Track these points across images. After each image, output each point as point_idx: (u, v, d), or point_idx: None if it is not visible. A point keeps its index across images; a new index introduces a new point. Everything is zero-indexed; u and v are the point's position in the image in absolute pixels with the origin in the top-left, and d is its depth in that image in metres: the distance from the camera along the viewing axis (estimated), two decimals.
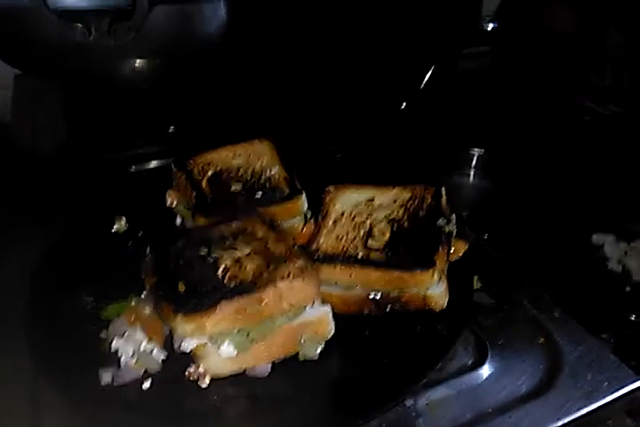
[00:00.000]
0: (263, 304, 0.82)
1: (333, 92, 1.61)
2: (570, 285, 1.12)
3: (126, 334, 0.88)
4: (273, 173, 1.12)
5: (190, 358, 0.84)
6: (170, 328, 0.83)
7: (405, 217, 1.01)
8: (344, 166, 1.34)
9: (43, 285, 0.99)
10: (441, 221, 0.98)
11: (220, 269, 0.86)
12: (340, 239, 0.98)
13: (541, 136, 1.50)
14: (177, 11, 1.21)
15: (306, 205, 1.09)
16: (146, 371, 0.85)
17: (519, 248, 1.18)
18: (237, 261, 0.87)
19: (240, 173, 1.12)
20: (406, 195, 1.05)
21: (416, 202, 1.03)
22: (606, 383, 0.88)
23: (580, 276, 1.15)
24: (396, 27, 1.59)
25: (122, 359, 0.86)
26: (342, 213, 1.04)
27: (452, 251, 0.99)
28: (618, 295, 1.11)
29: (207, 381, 0.84)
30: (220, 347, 0.82)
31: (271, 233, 0.93)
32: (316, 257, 0.94)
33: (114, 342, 0.87)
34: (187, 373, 0.84)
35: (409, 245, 0.95)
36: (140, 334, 0.88)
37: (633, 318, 1.06)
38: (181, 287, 0.84)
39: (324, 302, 0.90)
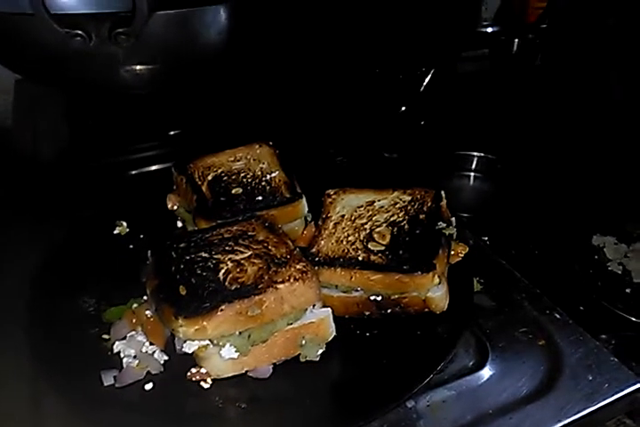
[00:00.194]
0: (264, 307, 0.82)
1: (333, 95, 1.61)
2: (570, 286, 1.12)
3: (128, 337, 0.88)
4: (273, 176, 1.13)
5: (192, 359, 0.85)
6: (171, 331, 0.83)
7: (405, 220, 1.01)
8: (344, 170, 1.34)
9: (44, 288, 0.99)
10: (441, 224, 0.99)
11: (221, 273, 0.86)
12: (341, 242, 0.99)
13: (541, 138, 1.51)
14: (177, 16, 1.21)
15: (306, 209, 1.09)
16: (148, 372, 0.86)
17: (519, 250, 1.18)
18: (238, 264, 0.88)
19: (240, 177, 1.13)
20: (406, 198, 1.06)
21: (416, 205, 1.04)
22: (607, 385, 0.88)
23: (581, 277, 1.15)
24: (395, 30, 1.60)
25: (124, 361, 0.86)
26: (342, 217, 1.04)
27: (452, 253, 1.00)
28: (618, 297, 1.11)
29: (209, 382, 0.84)
30: (221, 349, 0.82)
31: (272, 236, 0.93)
32: (316, 260, 0.95)
33: (115, 345, 0.88)
34: (188, 374, 0.84)
35: (409, 248, 0.95)
36: (141, 337, 0.88)
37: (633, 320, 1.06)
38: (182, 290, 0.84)
39: (324, 304, 0.90)
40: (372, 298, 0.93)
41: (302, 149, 1.35)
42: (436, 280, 0.90)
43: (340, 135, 1.47)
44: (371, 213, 1.04)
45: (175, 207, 1.14)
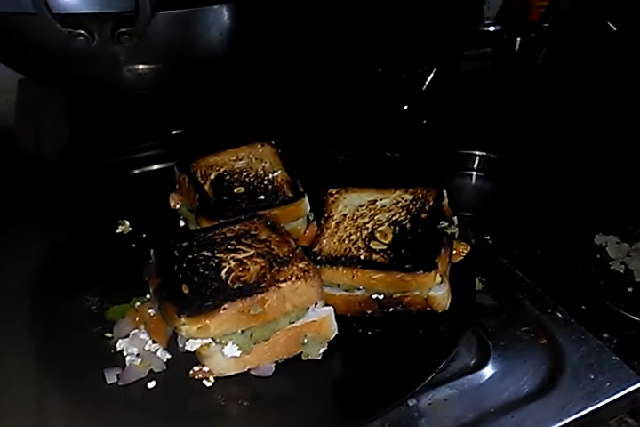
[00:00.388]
0: (266, 306, 0.83)
1: (335, 94, 1.61)
2: (572, 286, 1.12)
3: (131, 335, 0.89)
4: (275, 175, 1.13)
5: (194, 357, 0.85)
6: (174, 329, 0.84)
7: (407, 219, 1.01)
8: (346, 169, 1.34)
9: (47, 286, 1.00)
10: (443, 223, 0.99)
11: (224, 271, 0.87)
12: (343, 241, 0.99)
13: (543, 137, 1.51)
14: (179, 16, 1.21)
15: (308, 208, 1.09)
16: (150, 371, 0.86)
17: (521, 249, 1.18)
18: (241, 262, 0.88)
19: (243, 176, 1.13)
20: (408, 197, 1.06)
21: (418, 204, 1.04)
22: (608, 384, 0.88)
23: (583, 277, 1.15)
24: (397, 29, 1.60)
25: (127, 359, 0.86)
26: (345, 216, 1.04)
27: (454, 253, 1.00)
28: (620, 296, 1.11)
29: (211, 380, 0.85)
30: (223, 347, 0.82)
31: (274, 235, 0.93)
32: (318, 259, 0.95)
33: (118, 343, 0.88)
34: (191, 372, 0.85)
35: (411, 247, 0.95)
36: (144, 335, 0.88)
37: (635, 319, 1.06)
38: (185, 289, 0.84)
39: (326, 303, 0.91)
40: (374, 297, 0.93)
41: (304, 149, 1.35)
42: (438, 279, 0.91)
43: (342, 134, 1.47)
44: (373, 212, 1.04)
45: (178, 206, 1.14)
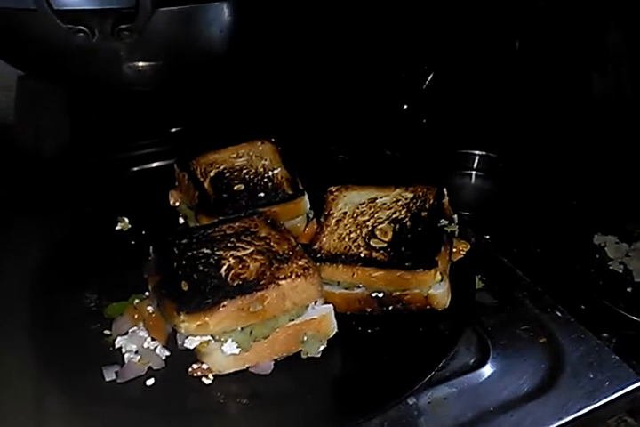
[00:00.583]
0: (266, 303, 0.83)
1: (335, 92, 1.61)
2: (571, 285, 1.12)
3: (130, 332, 0.88)
4: (275, 173, 1.13)
5: (194, 355, 0.85)
6: (173, 326, 0.84)
7: (407, 217, 1.01)
8: (346, 167, 1.34)
9: (46, 283, 1.00)
10: (443, 222, 0.99)
11: (223, 269, 0.86)
12: (343, 239, 0.99)
13: (543, 137, 1.51)
14: (180, 13, 1.21)
15: (308, 206, 1.09)
16: (149, 368, 0.86)
17: (521, 248, 1.18)
18: (240, 260, 0.88)
19: (243, 174, 1.13)
20: (408, 195, 1.06)
21: (418, 202, 1.04)
22: (607, 383, 0.88)
23: (582, 276, 1.15)
24: (398, 27, 1.60)
25: (125, 357, 0.86)
26: (345, 213, 1.04)
27: (454, 251, 1.00)
28: (619, 296, 1.11)
29: (210, 377, 0.84)
30: (223, 345, 0.82)
31: (274, 233, 0.93)
32: (318, 257, 0.95)
33: (117, 340, 0.88)
34: (190, 370, 0.84)
35: (411, 245, 0.95)
36: (143, 332, 0.88)
37: (634, 319, 1.06)
38: (184, 286, 0.84)
39: (326, 301, 0.90)
40: (374, 295, 0.93)
41: (305, 146, 1.35)
42: (438, 277, 0.90)
43: (342, 132, 1.47)
44: (373, 210, 1.04)
45: (177, 204, 1.14)
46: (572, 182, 1.37)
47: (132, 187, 1.27)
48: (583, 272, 1.16)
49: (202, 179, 1.11)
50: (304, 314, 0.87)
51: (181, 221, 1.15)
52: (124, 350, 0.87)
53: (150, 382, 0.84)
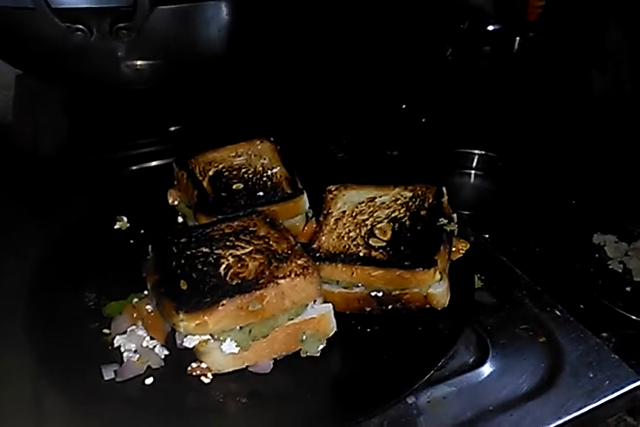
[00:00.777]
0: (265, 302, 0.82)
1: (335, 91, 1.61)
2: (571, 285, 1.12)
3: (128, 331, 0.88)
4: (274, 172, 1.12)
5: (192, 354, 0.85)
6: (172, 325, 0.83)
7: (407, 216, 1.01)
8: (345, 166, 1.34)
9: (45, 282, 0.99)
10: (442, 221, 0.99)
11: (222, 268, 0.86)
12: (342, 238, 0.99)
13: (542, 136, 1.51)
14: (178, 11, 1.21)
15: (307, 205, 1.09)
16: (148, 367, 0.86)
17: (520, 248, 1.18)
18: (239, 259, 0.88)
19: (242, 173, 1.13)
20: (407, 194, 1.06)
21: (417, 201, 1.04)
22: (607, 382, 0.88)
23: (581, 276, 1.15)
24: (398, 24, 1.60)
25: (124, 356, 0.86)
26: (344, 212, 1.04)
27: (453, 250, 0.99)
28: (619, 295, 1.11)
29: (209, 376, 0.84)
30: (222, 344, 0.82)
31: (273, 232, 0.93)
32: (317, 256, 0.95)
33: (116, 339, 0.88)
34: (189, 369, 0.84)
35: (410, 245, 0.95)
36: (142, 331, 0.88)
37: (634, 318, 1.06)
38: (183, 285, 0.84)
39: (325, 300, 0.90)
40: (373, 294, 0.93)
41: (304, 145, 1.35)
42: (437, 276, 0.90)
43: (342, 132, 1.47)
44: (372, 209, 1.04)
45: (176, 202, 1.14)
46: (571, 181, 1.37)
47: (131, 186, 1.27)
48: (582, 271, 1.16)
49: (201, 178, 1.11)
50: (303, 313, 0.87)
51: (180, 220, 1.14)
52: (122, 349, 0.87)
53: (149, 381, 0.84)
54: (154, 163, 1.35)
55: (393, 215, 1.01)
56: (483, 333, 0.95)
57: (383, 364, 0.87)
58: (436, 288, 0.92)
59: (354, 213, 1.03)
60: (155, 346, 0.87)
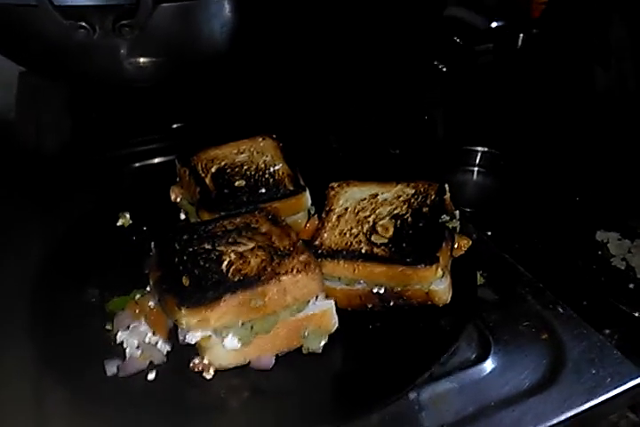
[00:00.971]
0: (267, 298, 0.83)
1: (337, 88, 1.61)
2: (573, 282, 1.12)
3: (131, 327, 0.88)
4: (277, 169, 1.12)
5: (195, 350, 0.85)
6: (174, 321, 0.83)
7: (409, 213, 1.01)
8: (347, 163, 1.34)
9: (48, 279, 1.00)
10: (444, 217, 0.99)
11: (224, 264, 0.86)
12: (344, 235, 0.98)
13: (545, 133, 1.50)
14: (181, 9, 1.21)
15: (309, 201, 1.09)
16: (150, 363, 0.86)
17: (523, 245, 1.18)
18: (241, 255, 0.88)
19: (244, 170, 1.13)
20: (410, 191, 1.06)
21: (419, 198, 1.04)
22: (609, 379, 0.88)
23: (584, 273, 1.15)
24: (399, 22, 1.60)
25: (127, 351, 0.86)
26: (346, 209, 1.04)
27: (455, 247, 0.99)
28: (621, 293, 1.11)
29: (211, 372, 0.84)
30: (224, 340, 0.82)
31: (275, 228, 0.93)
32: (319, 252, 0.95)
33: (119, 335, 0.88)
34: (191, 364, 0.84)
35: (412, 241, 0.95)
36: (144, 327, 0.88)
37: (637, 315, 1.06)
38: (185, 281, 0.84)
39: (327, 296, 0.90)
40: (375, 291, 0.93)
41: (306, 142, 1.35)
42: (440, 273, 0.90)
43: (344, 129, 1.47)
44: (374, 205, 1.04)
45: (178, 199, 1.14)
46: (574, 179, 1.37)
47: (134, 183, 1.28)
48: (585, 269, 1.16)
49: (203, 175, 1.11)
50: (305, 309, 0.87)
51: (182, 216, 1.14)
52: (125, 345, 0.87)
53: (151, 376, 0.84)
54: (156, 160, 1.35)
55: (395, 212, 1.01)
56: (485, 329, 0.95)
57: (385, 360, 0.87)
58: (437, 285, 0.92)
59: (356, 210, 1.03)
60: (157, 342, 0.87)
